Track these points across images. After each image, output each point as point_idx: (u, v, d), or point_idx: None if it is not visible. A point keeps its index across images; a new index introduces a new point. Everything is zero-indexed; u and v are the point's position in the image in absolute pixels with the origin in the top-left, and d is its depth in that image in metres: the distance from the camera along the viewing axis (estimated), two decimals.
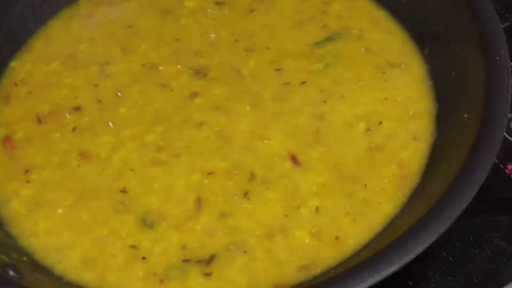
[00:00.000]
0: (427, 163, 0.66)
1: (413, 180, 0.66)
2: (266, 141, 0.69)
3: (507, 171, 0.73)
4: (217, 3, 0.85)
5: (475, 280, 0.67)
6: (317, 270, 0.60)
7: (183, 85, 0.76)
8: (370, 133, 0.69)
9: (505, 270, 0.67)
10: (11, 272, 0.57)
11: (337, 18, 0.81)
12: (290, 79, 0.74)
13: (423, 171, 0.66)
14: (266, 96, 0.73)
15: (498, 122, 0.59)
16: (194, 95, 0.74)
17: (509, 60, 0.63)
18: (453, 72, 0.70)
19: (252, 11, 0.83)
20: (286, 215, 0.64)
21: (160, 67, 0.78)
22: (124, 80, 0.77)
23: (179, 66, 0.77)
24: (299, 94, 0.73)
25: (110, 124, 0.73)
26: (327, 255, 0.61)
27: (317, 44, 0.78)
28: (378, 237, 0.62)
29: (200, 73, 0.76)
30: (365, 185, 0.65)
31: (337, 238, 0.62)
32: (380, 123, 0.70)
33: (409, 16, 0.79)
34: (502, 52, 0.64)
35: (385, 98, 0.72)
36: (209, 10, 0.84)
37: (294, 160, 0.68)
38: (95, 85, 0.77)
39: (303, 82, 0.74)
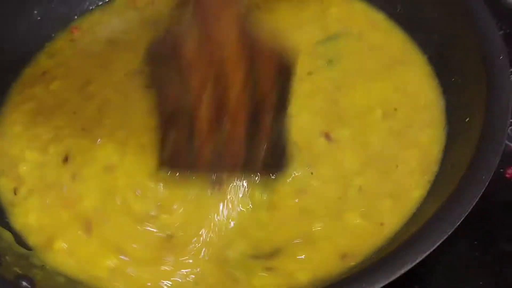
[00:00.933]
0: (444, 150, 0.66)
1: (434, 166, 0.64)
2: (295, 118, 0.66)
3: (507, 175, 0.73)
4: None
5: (481, 283, 0.65)
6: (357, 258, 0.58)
7: None
8: (388, 118, 0.68)
9: (510, 272, 0.66)
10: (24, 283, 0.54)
11: (336, 21, 0.80)
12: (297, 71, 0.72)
13: (442, 157, 0.65)
14: None
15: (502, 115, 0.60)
16: None
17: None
18: (453, 79, 0.70)
19: None
20: (339, 198, 0.62)
21: None
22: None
23: None
24: (309, 82, 0.71)
25: None
26: (372, 240, 0.59)
27: (319, 42, 0.77)
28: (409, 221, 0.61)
29: None
30: (397, 166, 0.64)
31: (381, 224, 0.60)
32: (395, 109, 0.69)
33: (407, 23, 0.79)
34: (502, 57, 0.64)
35: (396, 88, 0.71)
36: None
37: (328, 137, 0.66)
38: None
39: (310, 73, 0.73)
